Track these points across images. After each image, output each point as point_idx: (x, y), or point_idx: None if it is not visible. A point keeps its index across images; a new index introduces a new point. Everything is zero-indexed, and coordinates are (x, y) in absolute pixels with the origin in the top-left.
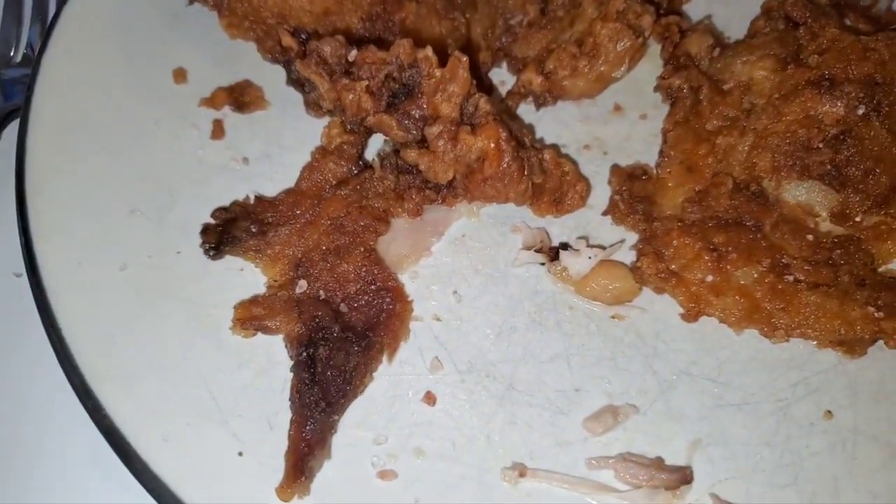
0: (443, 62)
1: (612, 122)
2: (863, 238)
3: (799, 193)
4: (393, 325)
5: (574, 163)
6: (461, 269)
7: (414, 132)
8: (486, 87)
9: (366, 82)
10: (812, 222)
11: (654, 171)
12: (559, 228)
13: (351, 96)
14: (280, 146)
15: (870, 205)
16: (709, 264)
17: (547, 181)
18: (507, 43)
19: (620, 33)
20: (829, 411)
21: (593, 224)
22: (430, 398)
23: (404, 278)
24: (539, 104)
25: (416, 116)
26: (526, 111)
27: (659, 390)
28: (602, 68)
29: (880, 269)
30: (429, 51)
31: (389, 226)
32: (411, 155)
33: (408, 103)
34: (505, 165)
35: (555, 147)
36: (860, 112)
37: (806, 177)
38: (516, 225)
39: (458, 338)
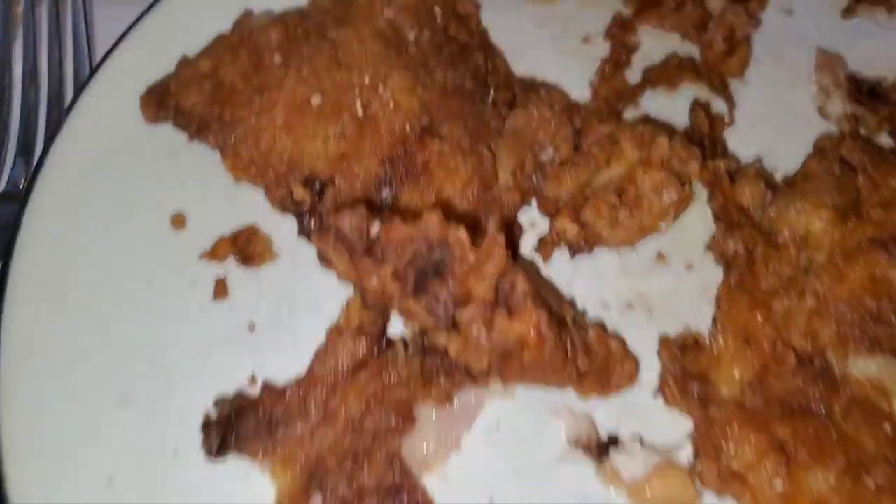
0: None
1: (655, 274)
2: None
3: (869, 369)
4: None
5: (620, 339)
6: (496, 469)
7: (443, 316)
8: (517, 233)
9: (391, 266)
10: (886, 404)
11: (707, 341)
12: (605, 410)
13: (374, 280)
14: (291, 307)
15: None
16: (776, 465)
17: (592, 362)
18: (538, 181)
19: (666, 183)
20: None
21: (641, 407)
22: None
23: (432, 481)
24: (574, 252)
25: (446, 298)
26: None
27: None
28: (644, 220)
29: None
30: (461, 233)
31: (415, 423)
32: (441, 339)
33: (437, 284)
34: (547, 354)
35: (599, 324)
36: None
37: (878, 350)
38: (557, 408)
39: None
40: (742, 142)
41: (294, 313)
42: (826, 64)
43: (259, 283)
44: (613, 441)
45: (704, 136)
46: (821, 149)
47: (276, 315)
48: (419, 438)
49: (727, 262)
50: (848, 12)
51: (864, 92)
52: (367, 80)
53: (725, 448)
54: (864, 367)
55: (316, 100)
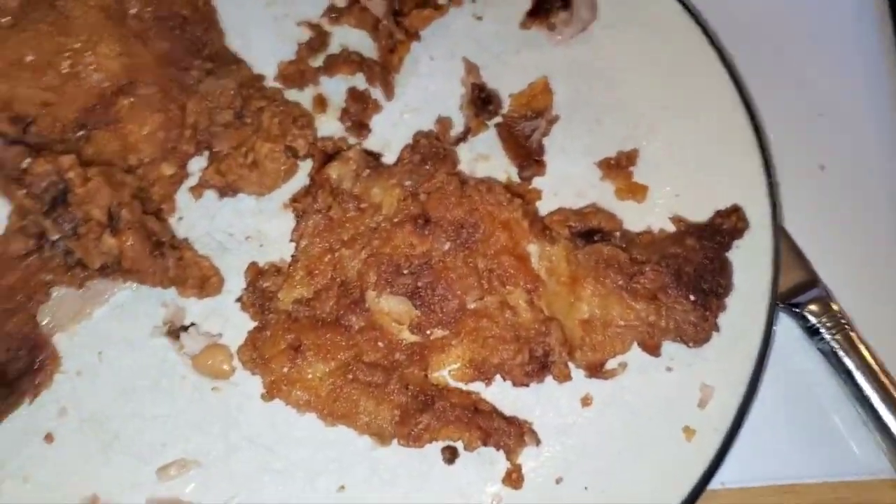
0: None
1: (278, 218)
2: (427, 346)
3: (390, 305)
4: (40, 377)
5: (209, 260)
6: (111, 333)
7: (68, 229)
8: (180, 176)
9: (24, 190)
10: (397, 329)
11: (286, 269)
12: (200, 307)
13: (19, 198)
14: None
15: (437, 322)
16: (288, 359)
17: (188, 273)
18: (209, 137)
19: (272, 154)
20: (343, 486)
21: (226, 306)
22: (49, 438)
23: (63, 336)
24: (221, 195)
25: (70, 218)
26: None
27: (225, 452)
28: (264, 179)
29: (434, 374)
30: (72, 172)
31: (50, 297)
32: (71, 245)
33: (62, 207)
34: (140, 264)
35: (189, 246)
36: (446, 247)
37: (397, 292)
38: (165, 301)
39: (90, 391)
40: (392, 124)
41: None
42: (469, 70)
43: None
44: (185, 328)
45: (354, 115)
46: (416, 141)
47: None
48: (60, 307)
49: (300, 214)
50: (524, 25)
51: (481, 98)
52: (77, 45)
53: (262, 340)
54: (387, 303)
55: (30, 57)
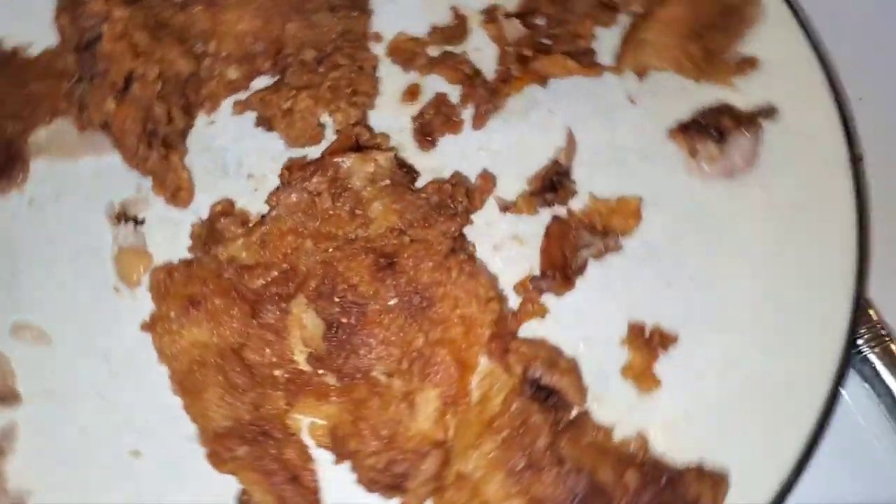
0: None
1: None
2: (310, 384)
3: (311, 322)
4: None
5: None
6: (81, 185)
7: (87, 74)
8: (239, 86)
9: (70, 18)
10: (298, 350)
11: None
12: (164, 211)
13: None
14: None
15: (334, 367)
16: (181, 307)
17: (167, 175)
18: (285, 65)
19: (308, 115)
20: (139, 452)
21: (184, 225)
22: None
23: (42, 163)
24: (257, 123)
25: (92, 65)
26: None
27: (77, 350)
28: (289, 132)
29: (296, 416)
30: (112, 26)
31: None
32: (85, 88)
33: (91, 52)
34: (124, 139)
35: (181, 152)
36: (391, 303)
37: (321, 315)
38: (141, 186)
39: (25, 220)
40: (460, 153)
41: None
42: (568, 143)
43: None
44: (129, 218)
45: (426, 123)
46: (447, 182)
47: None
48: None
49: (285, 182)
50: (671, 134)
51: (551, 180)
52: None
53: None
54: (310, 318)
55: None
